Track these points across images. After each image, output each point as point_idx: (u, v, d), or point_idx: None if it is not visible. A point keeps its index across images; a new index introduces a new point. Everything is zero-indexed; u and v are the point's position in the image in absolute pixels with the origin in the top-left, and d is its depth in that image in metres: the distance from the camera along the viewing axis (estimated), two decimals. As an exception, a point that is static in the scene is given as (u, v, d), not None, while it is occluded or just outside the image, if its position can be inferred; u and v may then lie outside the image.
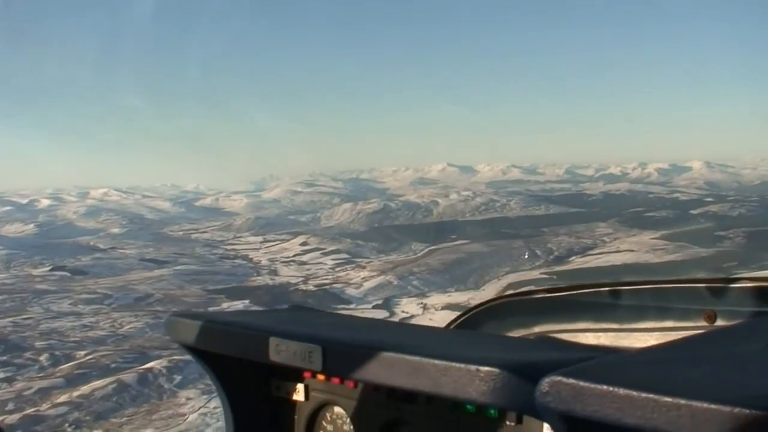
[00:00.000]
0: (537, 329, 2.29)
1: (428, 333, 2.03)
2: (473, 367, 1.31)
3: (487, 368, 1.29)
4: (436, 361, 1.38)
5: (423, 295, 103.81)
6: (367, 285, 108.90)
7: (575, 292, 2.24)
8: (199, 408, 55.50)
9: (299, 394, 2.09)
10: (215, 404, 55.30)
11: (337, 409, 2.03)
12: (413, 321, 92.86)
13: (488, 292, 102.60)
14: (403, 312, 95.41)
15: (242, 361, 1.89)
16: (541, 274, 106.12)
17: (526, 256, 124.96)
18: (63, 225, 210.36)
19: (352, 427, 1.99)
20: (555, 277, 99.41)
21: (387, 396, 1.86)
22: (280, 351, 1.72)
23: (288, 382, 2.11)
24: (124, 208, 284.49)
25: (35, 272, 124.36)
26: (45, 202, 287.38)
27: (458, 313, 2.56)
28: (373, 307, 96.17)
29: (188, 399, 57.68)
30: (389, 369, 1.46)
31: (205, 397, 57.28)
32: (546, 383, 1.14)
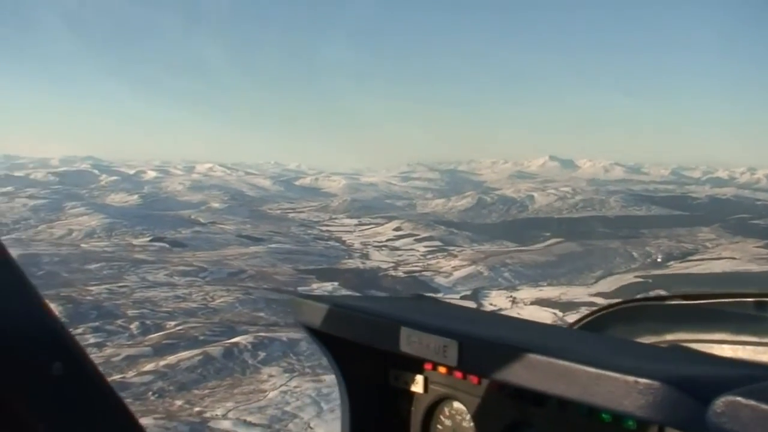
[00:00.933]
0: (669, 337, 2.16)
1: (563, 334, 1.94)
2: (631, 379, 1.23)
3: (647, 381, 1.22)
4: (589, 368, 1.31)
5: (513, 288, 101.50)
6: (457, 274, 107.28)
7: (713, 300, 2.11)
8: (281, 386, 55.16)
9: (418, 386, 2.02)
10: (296, 383, 55.12)
11: (457, 405, 1.96)
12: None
13: (580, 289, 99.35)
14: (491, 304, 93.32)
15: (362, 347, 1.86)
16: (635, 277, 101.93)
17: (628, 257, 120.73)
18: (166, 197, 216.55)
19: (472, 424, 1.91)
20: (651, 281, 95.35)
21: (512, 396, 1.78)
22: (412, 342, 1.68)
23: (407, 373, 2.04)
24: (226, 184, 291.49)
25: (135, 242, 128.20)
26: (151, 174, 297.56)
27: (582, 313, 2.39)
28: (461, 298, 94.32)
29: (270, 376, 57.49)
30: (532, 371, 1.40)
31: (286, 375, 57.07)
32: (722, 403, 1.06)
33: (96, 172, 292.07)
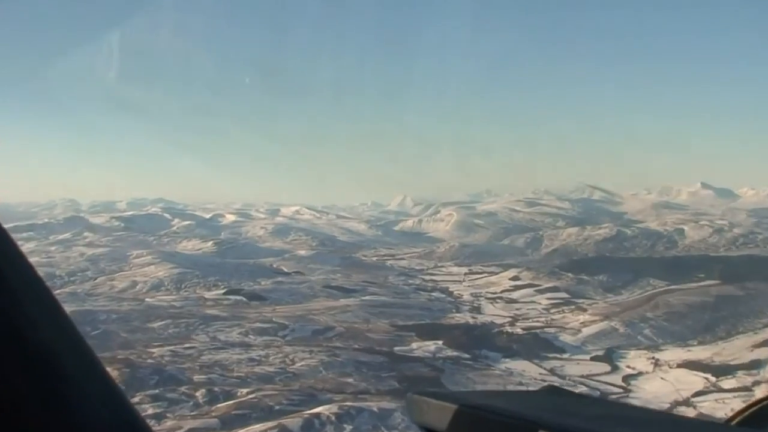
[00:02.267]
0: None
1: None
2: None
3: None
4: None
5: (656, 347, 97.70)
6: (587, 331, 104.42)
7: None
8: (372, 468, 54.39)
9: None
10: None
11: None
12: (641, 379, 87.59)
13: (739, 342, 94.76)
14: (628, 367, 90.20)
15: None
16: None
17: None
18: (245, 244, 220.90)
19: None
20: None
21: None
22: None
23: None
24: (315, 228, 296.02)
25: (207, 295, 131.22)
26: (230, 218, 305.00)
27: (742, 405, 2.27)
28: (592, 359, 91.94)
29: (358, 456, 56.94)
30: None
31: (377, 454, 56.40)
32: None
33: (167, 216, 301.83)
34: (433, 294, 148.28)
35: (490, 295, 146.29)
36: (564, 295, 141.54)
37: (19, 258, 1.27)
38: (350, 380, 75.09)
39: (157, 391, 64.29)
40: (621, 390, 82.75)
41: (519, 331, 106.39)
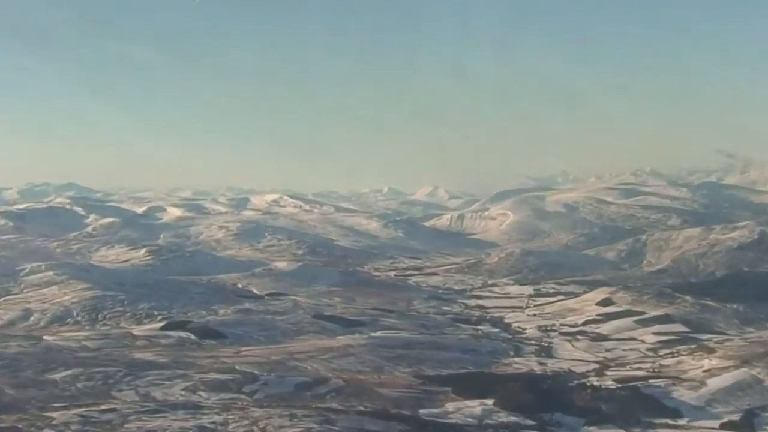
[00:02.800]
0: None
1: None
2: None
3: None
4: None
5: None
6: (715, 383, 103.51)
7: None
8: None
9: None
10: None
11: None
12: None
13: None
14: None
15: None
16: None
17: None
18: (196, 252, 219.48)
19: None
20: None
21: None
22: None
23: None
24: (302, 227, 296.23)
25: (138, 330, 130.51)
26: (173, 213, 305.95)
27: None
28: (722, 426, 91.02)
29: None
30: None
31: None
32: None
33: (79, 210, 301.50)
34: (481, 327, 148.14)
35: (567, 329, 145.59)
36: (680, 328, 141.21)
37: None
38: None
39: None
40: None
41: (611, 383, 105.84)
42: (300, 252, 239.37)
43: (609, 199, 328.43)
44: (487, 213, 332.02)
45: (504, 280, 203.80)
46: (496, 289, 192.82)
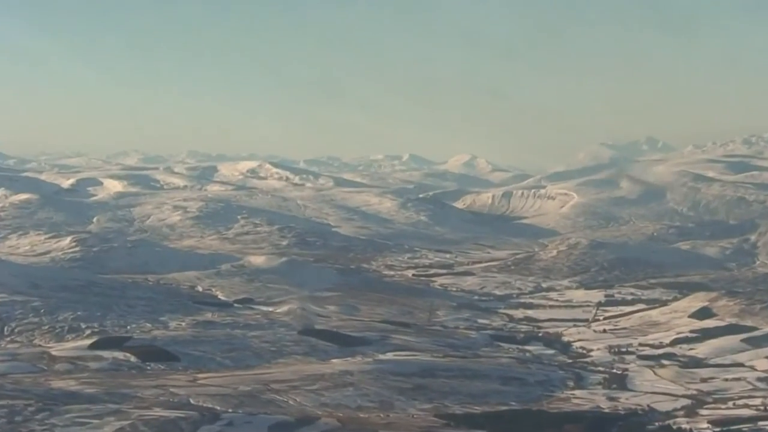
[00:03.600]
0: None
1: None
2: None
3: None
4: None
5: None
6: None
7: None
8: None
9: None
10: None
11: None
12: None
13: None
14: None
15: None
16: None
17: None
18: (140, 241, 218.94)
19: None
20: None
21: None
22: None
23: None
24: (287, 207, 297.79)
25: (58, 349, 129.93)
26: (112, 187, 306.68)
27: None
28: None
29: None
30: None
31: None
32: None
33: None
34: (530, 348, 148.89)
35: (648, 351, 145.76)
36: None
37: None
38: None
39: None
40: None
41: (706, 427, 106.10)
42: (284, 242, 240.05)
43: (711, 175, 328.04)
44: (543, 191, 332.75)
45: (564, 282, 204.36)
46: (553, 294, 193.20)
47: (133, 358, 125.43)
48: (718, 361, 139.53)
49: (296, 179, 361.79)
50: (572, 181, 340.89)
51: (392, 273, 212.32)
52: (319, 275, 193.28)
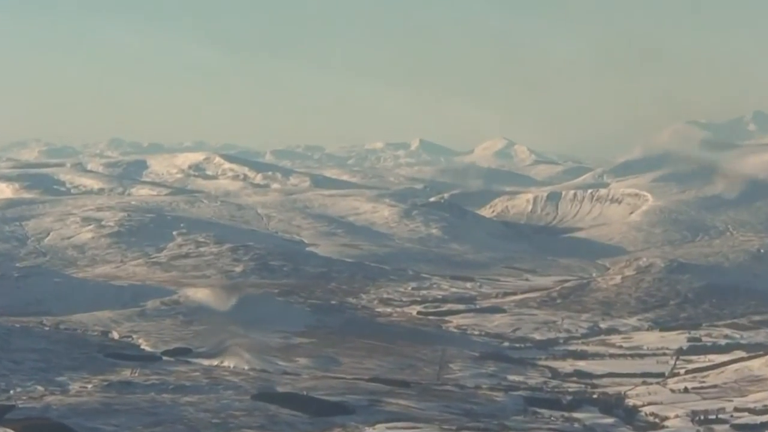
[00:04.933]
0: None
1: None
2: None
3: None
4: None
5: None
6: None
7: None
8: None
9: None
10: None
11: None
12: None
13: None
14: None
15: None
16: None
17: None
18: (37, 268, 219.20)
19: None
20: None
21: None
22: None
23: None
24: (246, 216, 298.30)
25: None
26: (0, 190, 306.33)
27: None
28: None
29: None
30: None
31: None
32: None
33: None
34: (579, 414, 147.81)
35: (746, 419, 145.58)
36: None
37: None
38: None
39: None
40: None
41: None
42: (238, 268, 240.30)
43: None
44: (605, 192, 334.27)
45: (631, 320, 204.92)
46: (615, 338, 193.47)
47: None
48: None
49: (258, 178, 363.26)
50: (646, 176, 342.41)
51: (389, 310, 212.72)
52: (286, 314, 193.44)
